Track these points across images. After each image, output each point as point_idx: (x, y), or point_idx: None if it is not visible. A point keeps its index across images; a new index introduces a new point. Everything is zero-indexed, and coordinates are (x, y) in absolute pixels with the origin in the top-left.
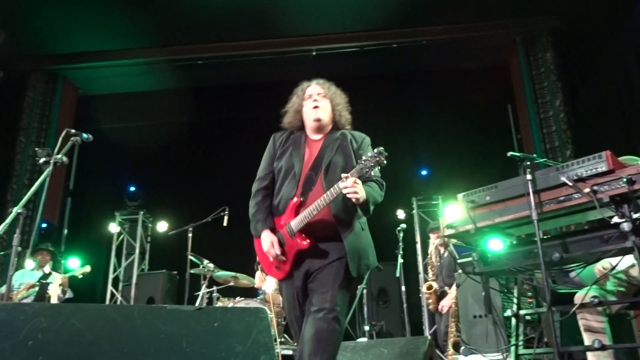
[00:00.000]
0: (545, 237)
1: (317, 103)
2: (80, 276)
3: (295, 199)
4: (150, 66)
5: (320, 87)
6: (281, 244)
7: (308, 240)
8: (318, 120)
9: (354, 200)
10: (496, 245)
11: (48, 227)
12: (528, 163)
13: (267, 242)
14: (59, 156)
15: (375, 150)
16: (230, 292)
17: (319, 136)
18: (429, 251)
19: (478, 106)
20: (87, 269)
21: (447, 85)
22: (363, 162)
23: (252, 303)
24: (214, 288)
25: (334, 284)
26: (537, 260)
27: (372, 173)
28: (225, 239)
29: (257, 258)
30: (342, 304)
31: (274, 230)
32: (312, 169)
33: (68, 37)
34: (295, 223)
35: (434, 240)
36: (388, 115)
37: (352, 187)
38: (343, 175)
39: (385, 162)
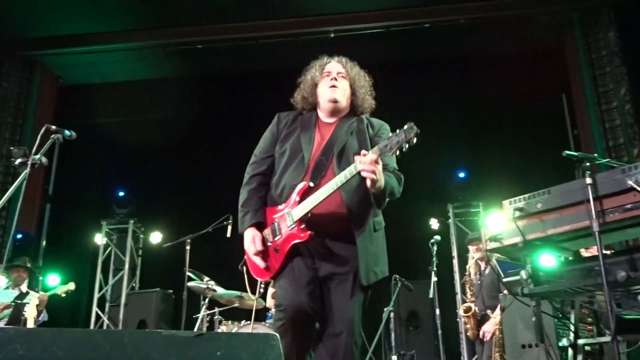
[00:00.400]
0: (608, 252)
1: (335, 82)
2: (64, 295)
3: (303, 183)
4: (142, 51)
5: (341, 66)
6: (275, 236)
7: (308, 232)
8: (334, 101)
9: (369, 183)
10: (549, 261)
11: (24, 237)
12: (587, 164)
13: (249, 237)
14: (38, 156)
15: (405, 126)
16: (234, 314)
17: (332, 119)
18: (467, 267)
19: (526, 97)
20: (72, 286)
21: (490, 73)
22: (388, 139)
23: (260, 328)
24: (216, 310)
25: (352, 304)
26: (598, 280)
27: (390, 163)
28: (228, 252)
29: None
30: (358, 322)
31: (261, 226)
32: (322, 154)
33: (47, 18)
34: (297, 210)
35: (473, 254)
36: (418, 108)
37: (370, 164)
38: (362, 152)
39: (415, 140)
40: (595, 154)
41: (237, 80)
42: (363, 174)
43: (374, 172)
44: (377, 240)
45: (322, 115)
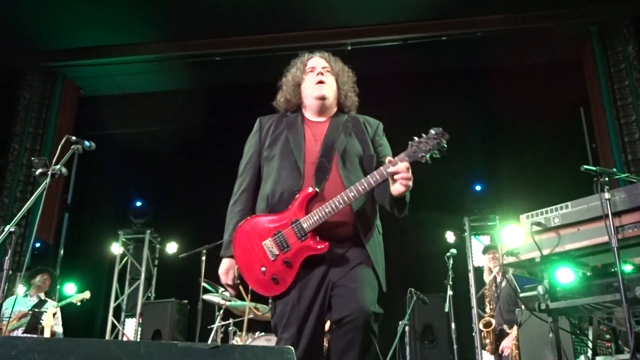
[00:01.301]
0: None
1: (322, 78)
2: (79, 303)
3: (309, 189)
4: (161, 63)
5: (325, 61)
6: (282, 248)
7: (326, 243)
8: (322, 98)
9: (400, 190)
10: (567, 276)
11: (42, 246)
12: (606, 179)
13: (225, 267)
14: (58, 167)
15: (434, 130)
16: (249, 325)
17: (322, 118)
18: (488, 280)
19: (544, 110)
20: (87, 295)
21: (507, 85)
22: (417, 143)
23: (275, 340)
24: (230, 321)
25: (364, 286)
26: (617, 296)
27: (385, 155)
28: None
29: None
30: (372, 302)
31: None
32: (322, 155)
33: (69, 30)
34: (309, 222)
35: (488, 263)
36: (435, 120)
37: (407, 172)
38: (388, 158)
39: (446, 146)
40: (614, 169)
41: (254, 91)
42: (401, 182)
43: (409, 179)
44: (381, 245)
45: (310, 114)
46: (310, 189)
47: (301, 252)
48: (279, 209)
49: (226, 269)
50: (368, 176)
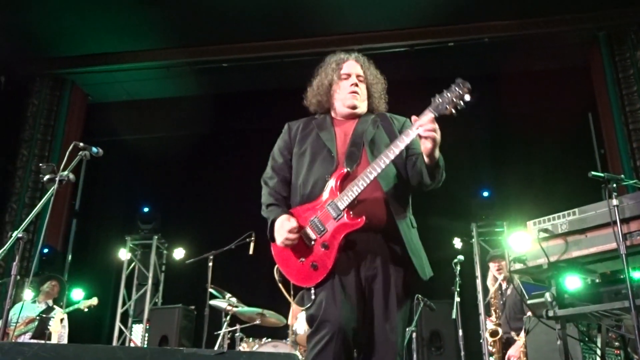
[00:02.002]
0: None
1: (356, 88)
2: (86, 310)
3: (342, 170)
4: (168, 70)
5: (360, 67)
6: (319, 232)
7: (362, 217)
8: (354, 107)
9: (429, 145)
10: (574, 283)
11: (50, 252)
12: (614, 185)
13: (282, 220)
14: (65, 173)
15: (457, 80)
16: (256, 332)
17: (350, 120)
18: (488, 283)
19: (552, 115)
20: (94, 301)
21: (514, 91)
22: (440, 96)
23: (281, 346)
24: (237, 327)
25: (394, 309)
26: (625, 303)
27: (416, 146)
28: (250, 269)
29: (278, 267)
30: (402, 332)
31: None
32: (352, 145)
33: (77, 37)
34: (343, 198)
35: (493, 272)
36: (442, 126)
37: (430, 123)
38: (413, 117)
39: (469, 97)
40: (622, 175)
41: (263, 97)
42: (425, 134)
43: (434, 131)
44: (417, 238)
45: (338, 116)
46: (343, 170)
47: (339, 232)
48: (313, 197)
49: (282, 221)
50: (396, 140)
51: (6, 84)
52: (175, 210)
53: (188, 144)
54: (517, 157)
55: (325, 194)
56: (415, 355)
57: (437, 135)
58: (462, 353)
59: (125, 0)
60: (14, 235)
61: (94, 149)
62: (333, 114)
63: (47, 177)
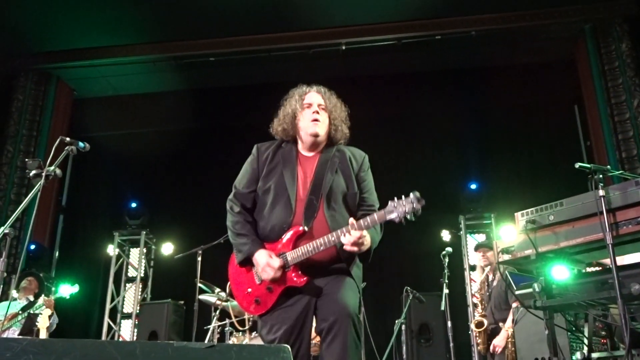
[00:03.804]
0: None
1: (317, 116)
2: (68, 297)
3: (299, 227)
4: (155, 64)
5: (321, 97)
6: None
7: (305, 278)
8: (316, 135)
9: (350, 251)
10: (562, 274)
11: (37, 248)
12: (600, 176)
13: (264, 260)
14: (52, 168)
15: (412, 195)
16: (245, 325)
17: (312, 153)
18: (481, 279)
19: (539, 108)
20: (76, 288)
21: (501, 84)
22: (396, 204)
23: None
24: (227, 321)
25: (346, 290)
26: (612, 293)
27: (367, 191)
28: None
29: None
30: (354, 308)
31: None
32: (311, 193)
33: (62, 32)
34: (293, 256)
35: (480, 262)
36: (430, 119)
37: (353, 246)
38: (351, 221)
39: (420, 212)
40: (608, 166)
41: (249, 92)
42: (348, 249)
43: (358, 245)
44: (360, 266)
45: (302, 147)
46: (300, 228)
47: (282, 282)
48: (271, 239)
49: (265, 261)
50: (336, 232)
51: None
52: (163, 206)
53: (175, 138)
54: (505, 150)
55: (280, 244)
56: (404, 347)
57: (359, 249)
58: (451, 344)
59: None
60: (0, 231)
61: (81, 144)
62: (299, 146)
63: (33, 172)
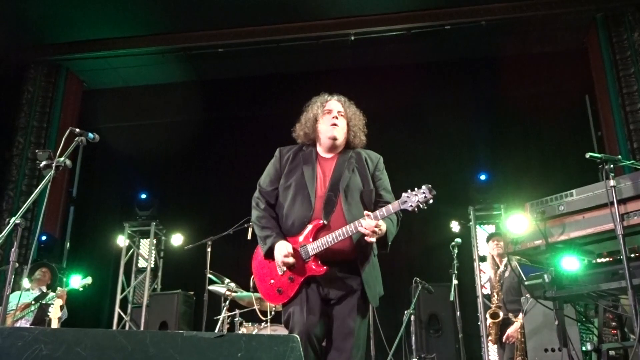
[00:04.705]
0: (633, 255)
1: (336, 121)
2: (81, 289)
3: (319, 221)
4: (164, 55)
5: (341, 105)
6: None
7: (325, 267)
8: (334, 138)
9: (369, 240)
10: (572, 264)
11: (48, 239)
12: (611, 166)
13: (283, 250)
14: (62, 159)
15: (424, 187)
16: (254, 316)
17: (330, 155)
18: (489, 266)
19: (549, 98)
20: (89, 280)
21: (512, 74)
22: (409, 195)
23: (280, 329)
24: (236, 311)
25: (356, 317)
26: (622, 284)
27: (383, 189)
28: (249, 254)
29: (253, 278)
30: (362, 336)
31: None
32: (330, 190)
33: (72, 23)
34: (313, 247)
35: (492, 251)
36: (440, 109)
37: (371, 231)
38: (366, 212)
39: (431, 201)
40: (619, 156)
41: (258, 83)
42: (366, 237)
43: (374, 233)
44: (377, 265)
45: (321, 150)
46: (320, 221)
47: (303, 272)
48: (292, 233)
49: (284, 252)
50: (354, 222)
51: (0, 71)
52: (172, 197)
53: (184, 130)
54: (515, 140)
55: (302, 237)
56: (413, 338)
57: (379, 233)
58: (460, 335)
59: None
60: (11, 221)
61: (90, 135)
62: (318, 149)
63: (43, 163)
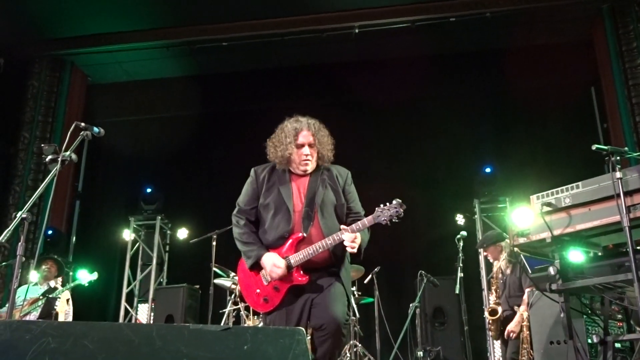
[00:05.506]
0: (639, 247)
1: (308, 158)
2: (87, 284)
3: (299, 234)
4: (169, 49)
5: (311, 135)
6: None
7: (307, 277)
8: (305, 171)
9: (349, 251)
10: (577, 257)
11: (54, 234)
12: (617, 158)
13: (271, 261)
14: (68, 153)
15: (395, 202)
16: None
17: (303, 173)
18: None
19: (554, 90)
20: (95, 275)
21: (517, 66)
22: (381, 210)
23: None
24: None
25: (336, 302)
26: (629, 276)
27: (353, 201)
28: None
29: (239, 288)
30: (342, 314)
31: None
32: (307, 205)
33: (76, 18)
34: (296, 258)
35: (489, 257)
36: (445, 102)
37: (353, 243)
38: (342, 227)
39: (402, 215)
40: (626, 148)
41: (263, 76)
42: (348, 249)
43: (354, 247)
44: (349, 268)
45: (295, 171)
46: (300, 234)
47: (287, 282)
48: (274, 246)
49: (272, 263)
50: (332, 235)
51: (5, 66)
52: (178, 191)
53: (189, 123)
54: (520, 132)
55: (284, 249)
56: (418, 331)
57: (355, 248)
58: (466, 328)
59: None
60: (18, 215)
61: (95, 129)
62: (291, 169)
63: (49, 157)
